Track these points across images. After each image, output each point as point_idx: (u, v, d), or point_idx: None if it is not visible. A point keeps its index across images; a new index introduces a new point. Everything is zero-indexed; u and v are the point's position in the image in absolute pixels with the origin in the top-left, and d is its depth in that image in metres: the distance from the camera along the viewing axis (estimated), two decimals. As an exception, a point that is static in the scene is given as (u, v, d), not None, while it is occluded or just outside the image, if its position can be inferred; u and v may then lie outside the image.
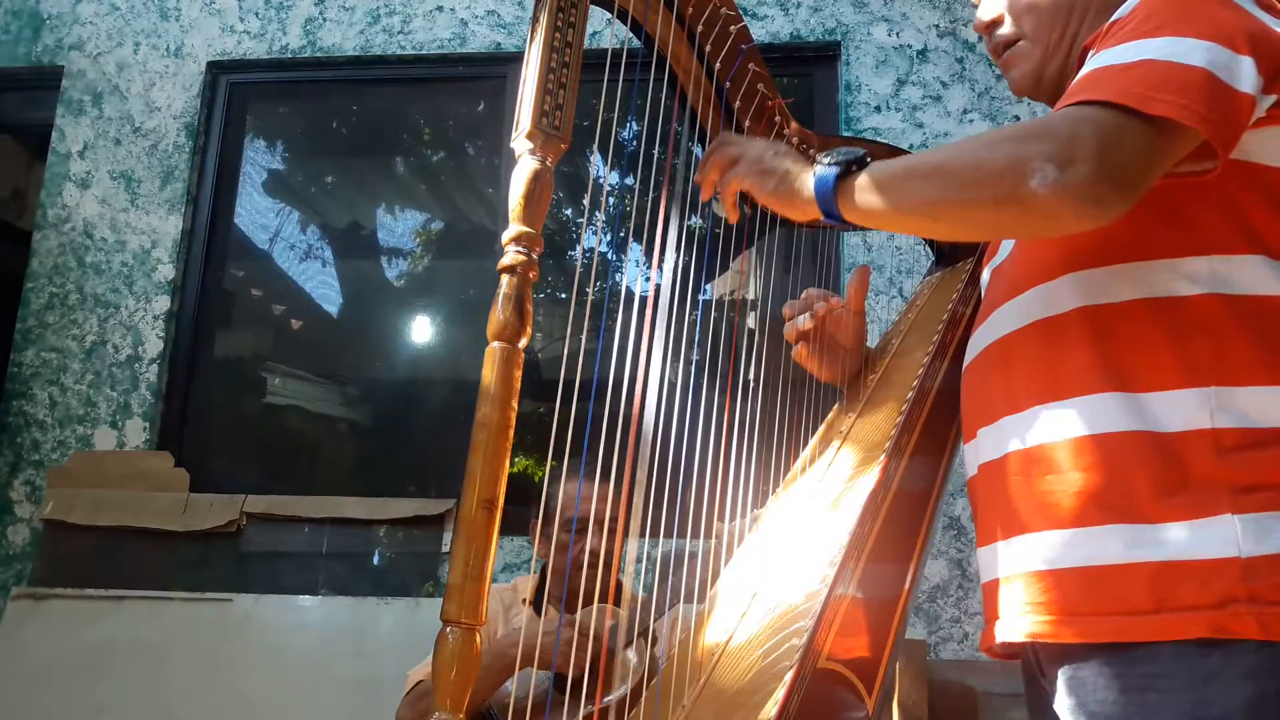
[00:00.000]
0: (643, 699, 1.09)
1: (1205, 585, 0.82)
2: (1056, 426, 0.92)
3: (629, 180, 3.21)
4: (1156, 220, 0.88)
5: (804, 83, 3.15)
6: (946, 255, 1.56)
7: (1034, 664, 0.97)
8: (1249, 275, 0.88)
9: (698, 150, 1.25)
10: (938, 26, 3.05)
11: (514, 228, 0.88)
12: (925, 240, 1.64)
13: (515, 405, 0.85)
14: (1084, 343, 0.92)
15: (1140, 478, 0.86)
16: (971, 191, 0.88)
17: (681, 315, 1.11)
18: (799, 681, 0.92)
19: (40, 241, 3.18)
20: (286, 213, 3.51)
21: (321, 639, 2.61)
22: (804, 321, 1.29)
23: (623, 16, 1.11)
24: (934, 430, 1.19)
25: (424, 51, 3.23)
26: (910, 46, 3.04)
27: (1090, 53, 0.95)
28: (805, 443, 1.31)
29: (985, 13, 1.13)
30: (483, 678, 1.04)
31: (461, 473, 0.83)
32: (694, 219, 1.16)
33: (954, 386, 1.12)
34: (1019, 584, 0.93)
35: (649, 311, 1.07)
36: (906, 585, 1.07)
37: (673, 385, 1.08)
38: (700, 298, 1.17)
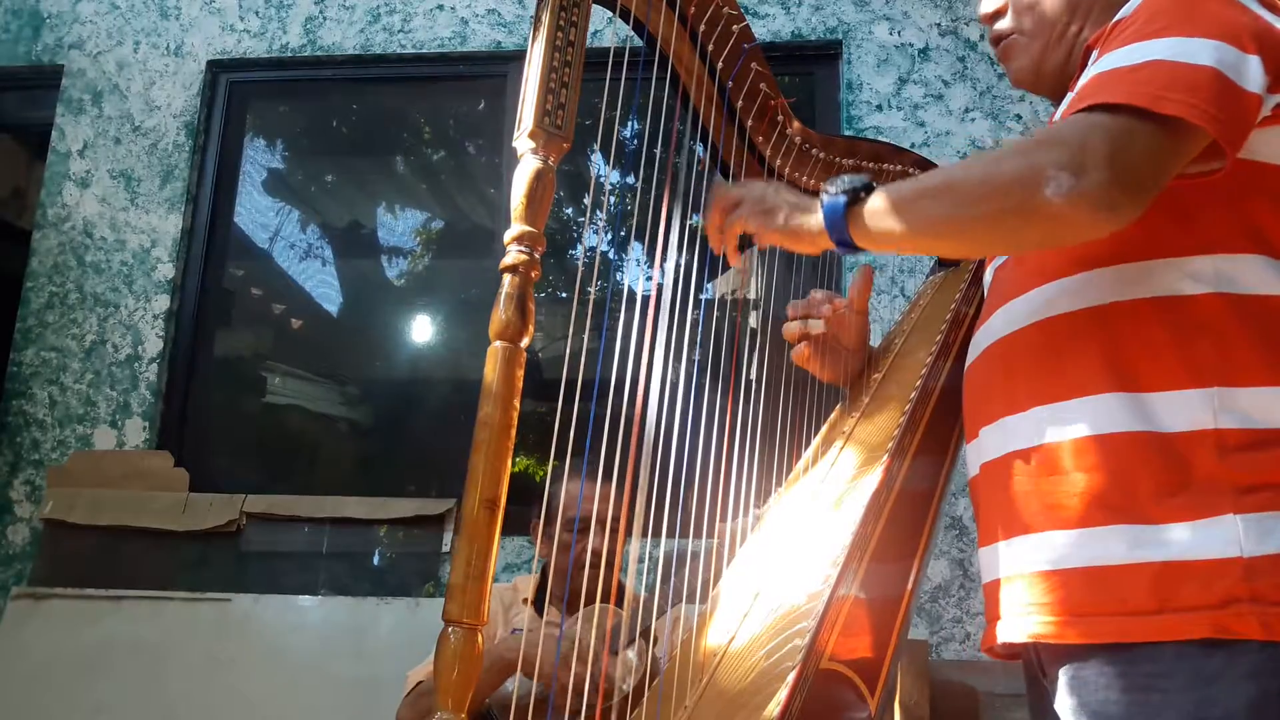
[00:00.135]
0: (644, 699, 1.09)
1: (1207, 585, 0.82)
2: (1059, 427, 0.92)
3: (630, 179, 3.20)
4: (1161, 220, 0.88)
5: (805, 81, 3.15)
6: (949, 255, 1.55)
7: (1035, 664, 0.97)
8: (1253, 275, 0.88)
9: (699, 150, 1.25)
10: (939, 25, 3.04)
11: (516, 227, 0.88)
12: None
13: (517, 404, 0.85)
14: (1087, 343, 0.92)
15: (1143, 478, 0.86)
16: (985, 205, 0.88)
17: (683, 314, 1.11)
18: (801, 682, 0.92)
19: (40, 241, 3.18)
20: (286, 212, 3.51)
21: (321, 639, 2.61)
22: (814, 326, 1.28)
23: (625, 16, 1.11)
24: (937, 430, 1.19)
25: (424, 50, 3.22)
26: (912, 45, 3.03)
27: (1093, 52, 0.95)
28: (808, 442, 1.31)
29: (988, 4, 1.13)
30: (482, 679, 1.04)
31: (462, 472, 0.83)
32: (695, 218, 1.16)
33: (957, 386, 1.12)
34: (1021, 584, 0.93)
35: (651, 311, 1.06)
36: (909, 585, 1.07)
37: (674, 385, 1.07)
38: (702, 297, 1.17)
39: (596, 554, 1.76)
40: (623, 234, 2.98)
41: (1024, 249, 1.00)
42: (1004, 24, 1.11)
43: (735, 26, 1.18)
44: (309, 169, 3.63)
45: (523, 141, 0.91)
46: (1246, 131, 0.84)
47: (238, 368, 3.35)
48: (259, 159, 3.45)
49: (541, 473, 2.93)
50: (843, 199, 0.96)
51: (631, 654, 1.57)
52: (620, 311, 1.08)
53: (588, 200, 3.19)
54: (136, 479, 2.88)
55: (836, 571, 1.01)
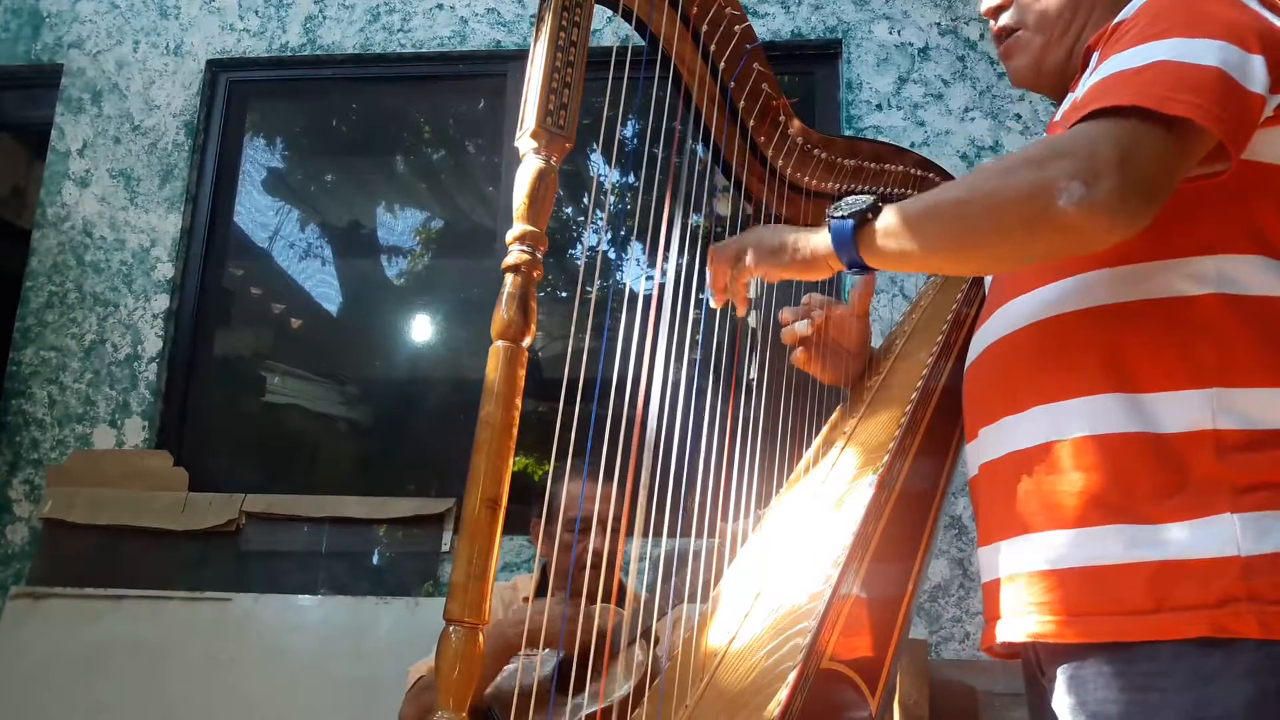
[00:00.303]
0: (645, 699, 1.09)
1: (1205, 584, 0.82)
2: (1058, 427, 0.92)
3: (630, 179, 3.20)
4: (1162, 221, 0.88)
5: (805, 81, 3.15)
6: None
7: (1034, 663, 0.97)
8: (1254, 276, 0.88)
9: (700, 150, 1.25)
10: (939, 24, 3.04)
11: (518, 227, 0.88)
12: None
13: (519, 404, 0.85)
14: (1086, 343, 0.92)
15: (1141, 479, 0.86)
16: (998, 220, 0.87)
17: (684, 314, 1.11)
18: (802, 681, 0.92)
19: (39, 240, 3.18)
20: (286, 211, 3.51)
21: (321, 638, 2.61)
22: (800, 327, 1.29)
23: (627, 16, 1.11)
24: (938, 431, 1.19)
25: (424, 49, 3.22)
26: (911, 44, 3.03)
27: (1094, 54, 0.95)
28: (809, 443, 1.31)
29: None
30: (486, 661, 1.04)
31: (461, 472, 0.83)
32: (696, 218, 1.16)
33: (958, 387, 1.12)
34: (1020, 584, 0.93)
35: (653, 310, 1.06)
36: (910, 585, 1.07)
37: (675, 384, 1.07)
38: (703, 297, 1.17)
39: (597, 554, 1.76)
40: (623, 234, 2.98)
41: (1037, 260, 0.99)
42: (1007, 18, 1.11)
43: (738, 27, 1.17)
44: (309, 168, 3.63)
45: (525, 141, 0.91)
46: (1250, 133, 0.84)
47: (237, 367, 3.35)
48: (258, 158, 3.44)
49: (540, 472, 2.93)
50: (849, 223, 0.96)
51: (636, 651, 1.57)
52: (622, 311, 1.08)
53: (588, 200, 3.19)
54: (136, 478, 2.88)
55: (837, 571, 1.01)
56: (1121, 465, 0.87)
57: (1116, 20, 0.94)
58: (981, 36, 3.00)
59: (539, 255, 0.88)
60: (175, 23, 3.32)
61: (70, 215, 3.18)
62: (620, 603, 1.69)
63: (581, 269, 3.10)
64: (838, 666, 0.97)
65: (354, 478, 3.29)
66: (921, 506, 1.14)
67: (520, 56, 3.15)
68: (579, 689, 1.56)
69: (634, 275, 2.81)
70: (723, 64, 1.18)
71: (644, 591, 1.77)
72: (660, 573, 1.40)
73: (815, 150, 1.29)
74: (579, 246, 3.40)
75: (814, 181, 1.31)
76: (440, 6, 3.24)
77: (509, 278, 0.87)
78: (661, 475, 1.05)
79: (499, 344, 0.86)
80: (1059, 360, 0.93)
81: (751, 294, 1.17)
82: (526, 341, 0.87)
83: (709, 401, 1.16)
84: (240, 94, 3.33)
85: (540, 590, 1.89)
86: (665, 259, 1.10)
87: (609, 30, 1.15)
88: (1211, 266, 0.88)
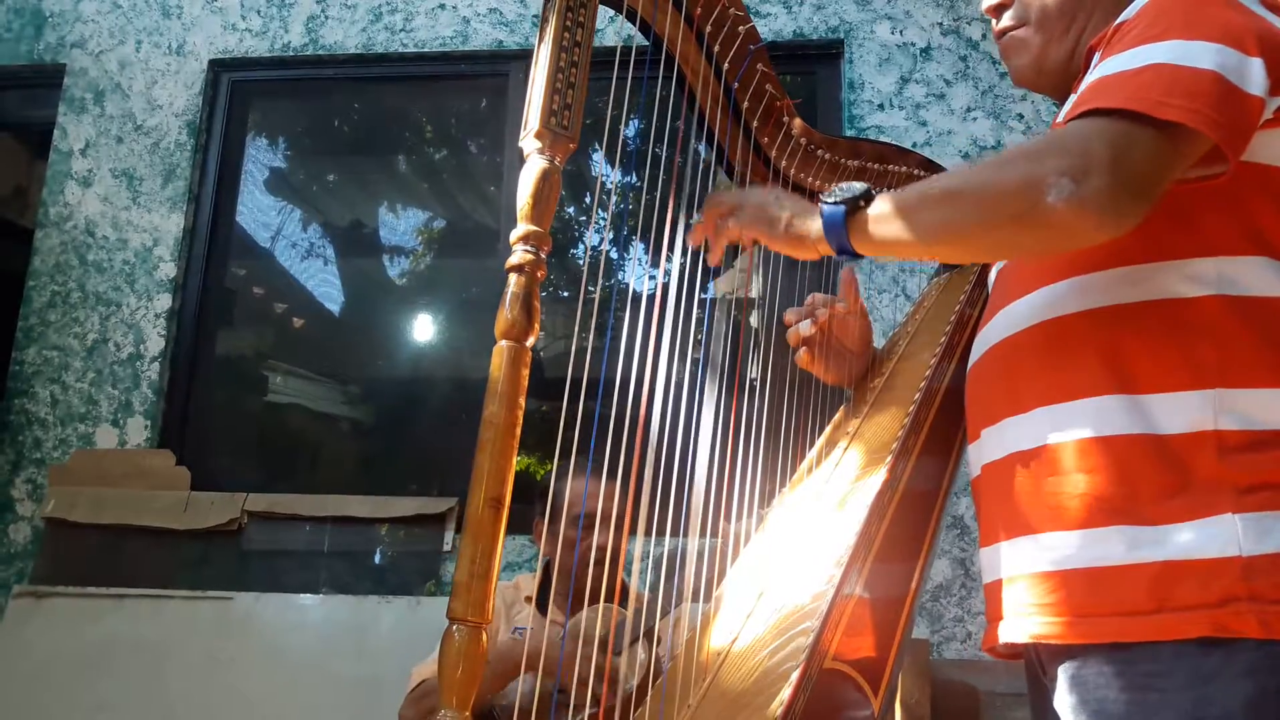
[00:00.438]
0: (648, 699, 1.09)
1: (1206, 584, 0.82)
2: (1060, 428, 0.92)
3: (633, 179, 3.20)
4: (1163, 222, 0.88)
5: (807, 81, 3.15)
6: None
7: (1036, 664, 0.97)
8: (1254, 277, 0.88)
9: (703, 150, 1.25)
10: (941, 24, 3.04)
11: (522, 227, 0.89)
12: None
13: (523, 404, 0.85)
14: (1088, 345, 0.92)
15: (1143, 480, 0.86)
16: (987, 212, 0.88)
17: (686, 313, 1.11)
18: (805, 681, 0.92)
19: (42, 239, 3.18)
20: (288, 211, 3.51)
21: (322, 638, 2.61)
22: (803, 327, 1.29)
23: (631, 16, 1.11)
24: (941, 431, 1.19)
25: (426, 49, 3.22)
26: (914, 44, 3.03)
27: (1095, 54, 0.95)
28: (812, 442, 1.31)
29: None
30: (486, 679, 1.04)
31: (464, 471, 0.83)
32: (698, 217, 1.16)
33: (961, 387, 1.12)
34: (1022, 584, 0.93)
35: (656, 309, 1.07)
36: (913, 585, 1.07)
37: (677, 384, 1.07)
38: (705, 296, 1.17)
39: (602, 551, 1.76)
40: (625, 233, 2.98)
41: (1024, 255, 1.01)
42: (1010, 16, 1.11)
43: (742, 27, 1.18)
44: (311, 168, 3.63)
45: (529, 142, 0.91)
46: (1248, 135, 0.84)
47: (239, 366, 3.35)
48: (261, 158, 3.45)
49: (542, 471, 2.93)
50: (841, 208, 0.97)
51: (639, 650, 1.57)
52: (624, 310, 1.08)
53: (592, 199, 3.19)
54: (138, 478, 2.88)
55: (841, 571, 1.02)
56: (1123, 466, 0.87)
57: (1118, 21, 0.94)
58: (984, 36, 3.00)
59: (543, 255, 0.89)
60: (178, 22, 3.33)
61: (73, 215, 3.19)
62: (623, 602, 1.69)
63: (585, 268, 3.10)
64: (840, 666, 0.97)
65: (356, 477, 3.30)
66: (924, 506, 1.15)
67: (522, 56, 3.15)
68: (580, 698, 1.56)
69: (636, 275, 2.81)
70: (727, 65, 1.19)
71: (646, 591, 1.77)
72: (663, 572, 1.40)
73: (819, 151, 1.30)
74: (581, 246, 3.40)
75: (817, 182, 1.31)
76: (442, 6, 3.24)
77: (513, 277, 0.88)
78: (664, 475, 1.05)
79: (503, 343, 0.86)
80: (1061, 361, 0.94)
81: (754, 294, 1.17)
82: (530, 341, 0.87)
83: (711, 401, 1.17)
84: (242, 94, 3.33)
85: (543, 588, 1.89)
86: (668, 259, 1.10)
87: (611, 30, 1.15)
88: (1212, 268, 0.89)
